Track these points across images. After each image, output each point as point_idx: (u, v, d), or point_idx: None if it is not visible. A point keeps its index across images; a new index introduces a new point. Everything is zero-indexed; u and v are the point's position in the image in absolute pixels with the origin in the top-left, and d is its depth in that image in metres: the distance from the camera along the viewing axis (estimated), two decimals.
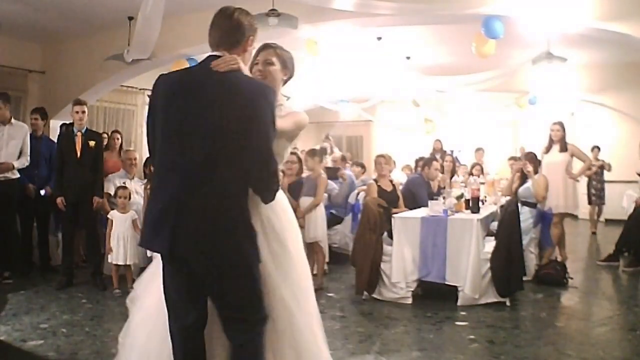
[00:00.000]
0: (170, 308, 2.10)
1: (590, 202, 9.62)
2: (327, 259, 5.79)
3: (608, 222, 10.09)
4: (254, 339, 2.08)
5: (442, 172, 7.30)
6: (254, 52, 2.34)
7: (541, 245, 6.22)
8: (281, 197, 2.26)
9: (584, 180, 9.43)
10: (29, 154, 5.57)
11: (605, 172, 9.54)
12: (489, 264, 4.78)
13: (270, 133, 2.02)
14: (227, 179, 1.97)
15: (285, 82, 2.45)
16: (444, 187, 6.29)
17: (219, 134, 1.98)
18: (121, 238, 5.13)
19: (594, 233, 9.42)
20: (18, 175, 5.53)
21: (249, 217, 2.02)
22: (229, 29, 2.17)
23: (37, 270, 5.91)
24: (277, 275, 2.15)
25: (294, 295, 2.19)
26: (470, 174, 8.38)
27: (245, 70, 2.14)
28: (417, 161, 8.48)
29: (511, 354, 3.62)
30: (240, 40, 2.18)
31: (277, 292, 2.14)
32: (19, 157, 5.48)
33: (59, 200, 5.33)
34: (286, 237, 2.23)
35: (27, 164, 5.56)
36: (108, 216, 5.26)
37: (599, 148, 9.67)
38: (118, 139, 6.93)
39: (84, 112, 5.43)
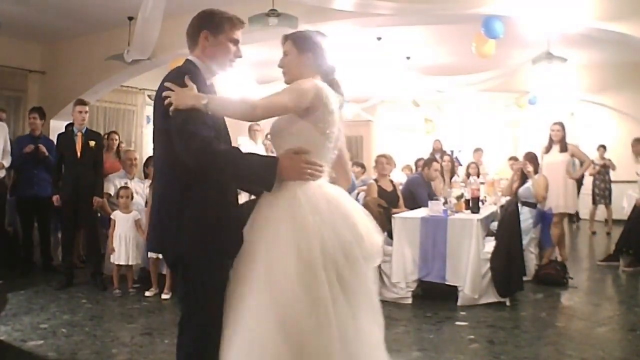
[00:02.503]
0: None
1: (594, 202, 9.64)
2: None
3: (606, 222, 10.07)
4: (187, 342, 2.06)
5: (442, 173, 7.30)
6: (230, 45, 2.17)
7: (541, 245, 6.23)
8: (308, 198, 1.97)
9: (589, 180, 9.48)
10: (10, 151, 5.59)
11: (611, 172, 9.55)
12: (489, 264, 4.78)
13: (179, 120, 1.93)
14: (164, 179, 2.11)
15: (317, 63, 2.17)
16: (436, 195, 6.20)
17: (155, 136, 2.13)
18: (123, 238, 5.12)
19: (593, 233, 9.42)
20: (4, 175, 5.54)
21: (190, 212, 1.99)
22: (187, 33, 2.21)
23: (38, 270, 5.91)
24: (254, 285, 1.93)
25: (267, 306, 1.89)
26: (468, 174, 8.39)
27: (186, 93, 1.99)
28: (417, 161, 8.48)
29: (511, 354, 3.62)
30: (195, 40, 2.17)
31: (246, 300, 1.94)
32: (2, 157, 5.50)
33: (54, 197, 5.33)
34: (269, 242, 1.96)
35: (7, 164, 5.59)
36: (111, 216, 5.26)
37: (604, 147, 9.64)
38: (116, 139, 6.93)
39: (86, 112, 5.44)
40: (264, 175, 1.94)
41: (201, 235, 1.98)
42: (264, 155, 2.11)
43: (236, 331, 1.92)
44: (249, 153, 2.07)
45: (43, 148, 5.92)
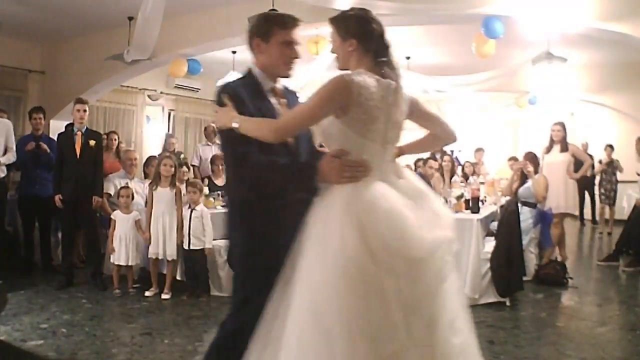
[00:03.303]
0: None
1: (600, 201, 9.63)
2: None
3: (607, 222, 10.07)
4: (230, 321, 2.14)
5: (442, 173, 7.30)
6: (282, 48, 2.14)
7: (541, 245, 6.23)
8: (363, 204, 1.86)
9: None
10: (14, 148, 5.57)
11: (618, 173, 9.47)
12: (489, 264, 4.78)
13: (223, 136, 2.10)
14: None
15: (362, 49, 2.01)
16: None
17: None
18: (123, 238, 5.12)
19: (600, 233, 9.36)
20: (5, 174, 5.54)
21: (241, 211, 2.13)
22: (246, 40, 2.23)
23: (38, 270, 5.91)
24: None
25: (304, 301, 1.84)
26: (465, 175, 8.38)
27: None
28: (416, 161, 8.48)
29: (511, 354, 3.62)
30: (251, 48, 2.20)
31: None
32: (4, 154, 5.49)
33: (56, 197, 5.33)
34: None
35: (12, 160, 5.57)
36: (111, 216, 5.26)
37: (612, 147, 9.58)
38: (115, 139, 6.93)
39: (85, 110, 5.44)
40: (303, 181, 1.98)
41: (245, 237, 2.12)
42: (304, 162, 2.06)
43: (279, 334, 1.85)
44: (290, 161, 2.04)
45: (44, 145, 5.94)
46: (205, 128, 8.27)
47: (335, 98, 1.91)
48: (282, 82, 2.26)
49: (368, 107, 1.91)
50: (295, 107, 2.11)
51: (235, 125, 1.98)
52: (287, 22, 2.16)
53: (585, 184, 9.79)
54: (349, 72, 1.97)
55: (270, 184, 2.06)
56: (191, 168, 7.46)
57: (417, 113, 2.14)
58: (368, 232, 1.80)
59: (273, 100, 2.18)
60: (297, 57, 2.17)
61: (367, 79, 1.93)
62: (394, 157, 2.11)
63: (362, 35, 2.01)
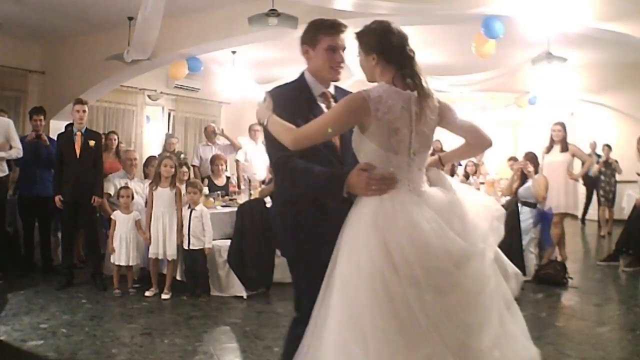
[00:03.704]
0: None
1: (599, 204, 9.48)
2: None
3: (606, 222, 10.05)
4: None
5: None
6: (328, 53, 2.22)
7: (541, 245, 6.23)
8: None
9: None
10: (19, 145, 5.56)
11: (617, 174, 9.34)
12: None
13: (267, 136, 2.19)
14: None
15: (384, 58, 2.05)
16: None
17: None
18: (124, 239, 5.12)
19: (602, 236, 9.17)
20: (6, 173, 5.53)
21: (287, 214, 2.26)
22: None
23: (38, 270, 5.91)
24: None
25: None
26: (466, 174, 8.39)
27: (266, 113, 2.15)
28: None
29: None
30: (302, 53, 2.30)
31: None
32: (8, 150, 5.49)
33: (57, 198, 5.33)
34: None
35: (18, 155, 5.56)
36: (111, 216, 5.26)
37: (609, 147, 9.47)
38: (115, 139, 6.93)
39: (84, 111, 5.43)
40: (331, 190, 2.02)
41: (287, 235, 2.27)
42: (334, 171, 2.10)
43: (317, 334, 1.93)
44: (322, 169, 2.07)
45: (44, 136, 5.95)
46: (206, 128, 8.25)
47: (351, 114, 1.98)
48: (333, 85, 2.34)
49: (387, 121, 1.95)
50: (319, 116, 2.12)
51: (264, 122, 2.11)
52: (331, 28, 2.22)
53: (592, 184, 9.76)
54: (368, 88, 2.02)
55: (303, 188, 2.14)
56: (191, 168, 7.46)
57: (448, 120, 2.13)
58: (391, 246, 1.85)
59: (323, 105, 2.26)
60: (342, 62, 2.23)
61: (386, 93, 1.97)
62: (428, 167, 2.15)
63: (381, 50, 2.04)
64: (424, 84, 2.03)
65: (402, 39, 2.07)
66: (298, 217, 2.20)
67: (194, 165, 7.79)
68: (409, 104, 1.99)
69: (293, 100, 2.17)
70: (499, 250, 2.12)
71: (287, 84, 2.30)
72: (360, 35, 2.11)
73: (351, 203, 2.03)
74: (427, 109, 2.01)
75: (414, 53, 2.07)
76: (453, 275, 1.89)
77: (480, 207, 2.13)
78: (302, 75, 2.29)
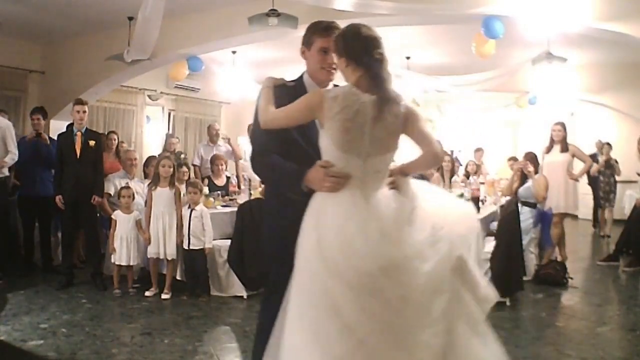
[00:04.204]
0: None
1: (599, 205, 9.30)
2: None
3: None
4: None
5: (442, 173, 7.29)
6: (320, 54, 2.28)
7: (541, 245, 6.23)
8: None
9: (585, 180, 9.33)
10: (14, 149, 5.51)
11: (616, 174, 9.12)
12: (489, 264, 4.78)
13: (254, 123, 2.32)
14: None
15: (353, 61, 2.09)
16: None
17: None
18: (124, 239, 5.12)
19: (602, 237, 9.01)
20: (7, 174, 5.53)
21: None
22: None
23: (38, 270, 5.91)
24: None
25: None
26: (467, 174, 8.40)
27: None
28: None
29: (511, 354, 3.59)
30: (301, 54, 2.38)
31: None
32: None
33: (57, 198, 5.33)
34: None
35: (13, 160, 5.53)
36: (112, 216, 5.26)
37: (610, 145, 9.28)
38: (115, 139, 6.93)
39: (84, 112, 5.43)
40: (292, 183, 2.13)
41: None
42: (298, 168, 2.15)
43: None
44: (290, 164, 2.18)
45: (45, 135, 5.95)
46: (209, 127, 8.21)
47: (306, 108, 2.08)
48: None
49: (339, 120, 2.00)
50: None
51: (261, 87, 2.26)
52: (325, 30, 2.26)
53: (592, 184, 9.66)
54: (328, 87, 2.19)
55: (269, 180, 2.36)
56: (192, 168, 7.45)
57: (410, 128, 2.11)
58: (322, 244, 1.95)
59: None
60: (333, 63, 2.26)
61: (343, 94, 2.02)
62: (393, 173, 2.15)
63: (349, 53, 2.09)
64: (387, 88, 2.06)
65: (371, 42, 2.09)
66: (278, 207, 2.32)
67: (194, 165, 7.79)
68: (365, 107, 2.01)
69: (290, 95, 2.21)
70: (473, 269, 2.16)
71: (289, 81, 2.38)
72: (336, 38, 2.17)
73: (303, 204, 2.12)
74: (386, 114, 2.03)
75: (382, 56, 2.08)
76: (377, 280, 1.90)
77: (454, 218, 2.15)
78: (301, 76, 2.39)
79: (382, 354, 1.89)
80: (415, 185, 2.19)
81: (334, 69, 2.28)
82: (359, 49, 2.07)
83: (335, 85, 2.32)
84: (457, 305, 2.01)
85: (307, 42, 2.32)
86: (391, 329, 1.90)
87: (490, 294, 2.19)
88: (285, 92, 2.24)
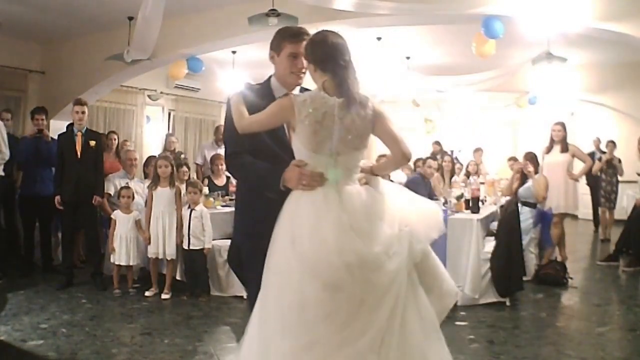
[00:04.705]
0: None
1: (599, 204, 9.07)
2: None
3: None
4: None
5: (442, 173, 7.30)
6: (289, 59, 2.34)
7: (541, 245, 6.23)
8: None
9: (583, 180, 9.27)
10: (5, 149, 5.43)
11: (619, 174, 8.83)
12: (489, 264, 4.78)
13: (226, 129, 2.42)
14: None
15: (319, 67, 2.20)
16: (435, 195, 6.20)
17: None
18: (124, 238, 5.12)
19: (602, 240, 8.74)
20: (2, 174, 5.53)
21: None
22: None
23: (39, 270, 5.90)
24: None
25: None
26: (467, 173, 8.40)
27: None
28: (416, 161, 8.48)
29: (511, 354, 3.62)
30: (270, 58, 2.44)
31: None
32: None
33: (57, 199, 5.33)
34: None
35: (3, 160, 5.49)
36: (112, 216, 5.26)
37: (614, 143, 8.96)
38: (115, 139, 6.93)
39: (83, 112, 5.42)
40: (270, 183, 2.20)
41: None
42: (274, 167, 2.23)
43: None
44: (265, 164, 2.26)
45: (46, 131, 5.95)
46: (217, 128, 8.19)
47: (278, 114, 2.18)
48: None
49: (309, 123, 2.11)
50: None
51: (231, 95, 2.32)
52: (294, 37, 2.33)
53: (593, 184, 9.56)
54: (295, 91, 2.34)
55: (245, 180, 2.44)
56: (193, 166, 7.45)
57: (377, 128, 2.21)
58: (296, 241, 2.05)
59: None
60: (303, 68, 2.34)
61: (311, 98, 2.14)
62: (365, 172, 2.25)
63: (316, 60, 2.20)
64: (353, 92, 2.15)
65: (336, 49, 2.19)
66: (253, 206, 2.38)
67: (196, 164, 7.78)
68: (332, 109, 2.11)
69: (257, 98, 2.32)
70: (438, 265, 2.26)
71: (255, 84, 2.47)
72: (305, 46, 2.27)
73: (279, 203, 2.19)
74: (353, 115, 2.13)
75: (346, 63, 2.18)
76: (344, 274, 1.98)
77: (418, 216, 2.27)
78: (268, 79, 2.45)
79: (333, 353, 1.96)
80: (384, 184, 2.29)
81: (303, 73, 2.36)
82: (325, 55, 2.18)
83: (304, 89, 2.40)
84: (411, 303, 2.06)
85: (276, 47, 2.37)
86: (346, 326, 1.98)
87: (452, 288, 2.28)
88: (253, 92, 2.36)
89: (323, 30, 2.25)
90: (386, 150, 2.30)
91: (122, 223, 5.17)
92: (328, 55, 2.18)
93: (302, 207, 2.10)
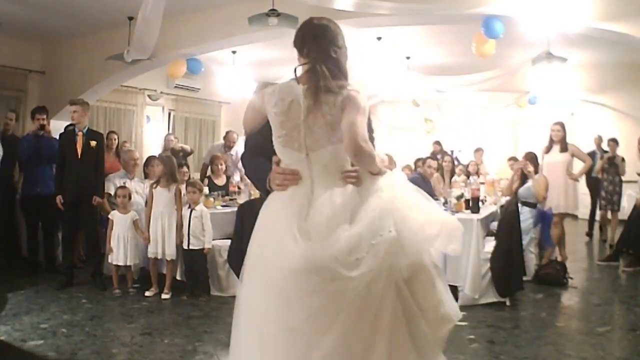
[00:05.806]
0: None
1: (600, 207, 8.73)
2: None
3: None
4: None
5: (442, 173, 7.30)
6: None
7: (541, 245, 6.23)
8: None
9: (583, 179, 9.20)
10: None
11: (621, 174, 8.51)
12: (489, 264, 4.78)
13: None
14: None
15: (301, 55, 2.04)
16: (435, 196, 6.19)
17: None
18: (121, 238, 5.12)
19: (604, 241, 8.55)
20: None
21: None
22: None
23: (41, 270, 5.90)
24: None
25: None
26: (468, 173, 8.40)
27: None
28: (416, 161, 8.49)
29: (511, 354, 3.62)
30: None
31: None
32: None
33: (57, 198, 5.33)
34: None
35: None
36: (109, 216, 5.26)
37: (616, 141, 8.64)
38: (115, 139, 6.93)
39: (75, 111, 5.39)
40: (259, 183, 2.16)
41: None
42: (265, 167, 2.13)
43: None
44: (259, 164, 2.14)
45: (49, 127, 5.98)
46: (227, 134, 8.16)
47: (254, 110, 2.08)
48: None
49: (275, 114, 1.96)
50: None
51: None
52: None
53: (594, 184, 9.45)
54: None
55: (252, 182, 2.52)
56: (202, 166, 7.48)
57: (343, 116, 1.90)
58: (264, 242, 1.95)
59: None
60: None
61: (280, 87, 1.99)
62: (342, 165, 1.98)
63: (294, 44, 2.07)
64: (323, 77, 1.90)
65: (314, 33, 2.03)
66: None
67: (205, 164, 7.79)
68: (299, 97, 1.92)
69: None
70: (436, 284, 1.92)
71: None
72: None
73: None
74: (322, 103, 1.90)
75: (325, 47, 1.99)
76: (305, 283, 1.80)
77: (427, 220, 1.97)
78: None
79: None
80: (394, 186, 1.99)
81: None
82: (300, 39, 2.05)
83: None
84: (401, 329, 1.80)
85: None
86: (313, 338, 1.78)
87: (451, 313, 1.93)
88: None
89: (313, 17, 2.12)
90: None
91: (120, 223, 5.16)
92: (303, 39, 2.03)
93: (272, 208, 1.96)
